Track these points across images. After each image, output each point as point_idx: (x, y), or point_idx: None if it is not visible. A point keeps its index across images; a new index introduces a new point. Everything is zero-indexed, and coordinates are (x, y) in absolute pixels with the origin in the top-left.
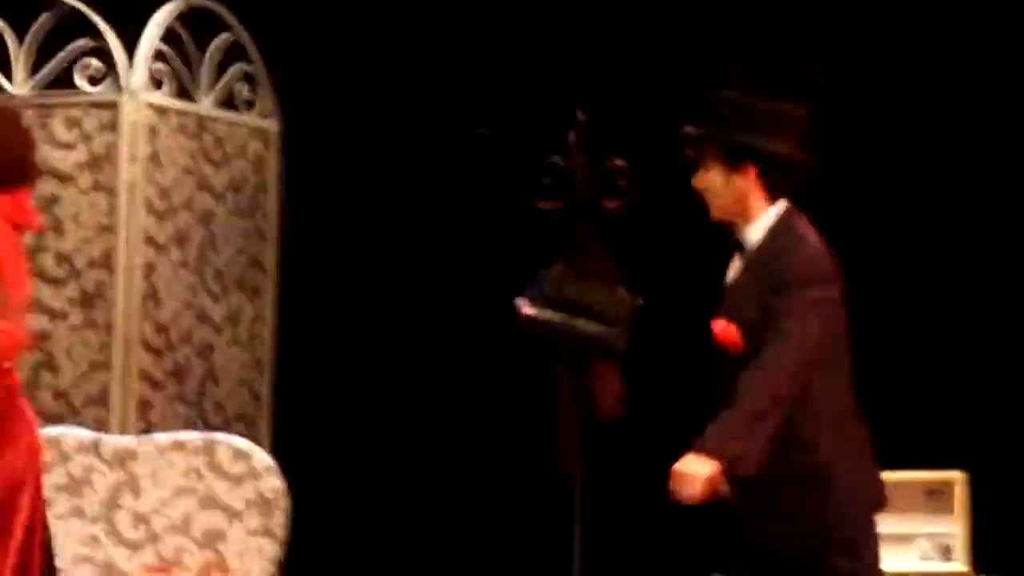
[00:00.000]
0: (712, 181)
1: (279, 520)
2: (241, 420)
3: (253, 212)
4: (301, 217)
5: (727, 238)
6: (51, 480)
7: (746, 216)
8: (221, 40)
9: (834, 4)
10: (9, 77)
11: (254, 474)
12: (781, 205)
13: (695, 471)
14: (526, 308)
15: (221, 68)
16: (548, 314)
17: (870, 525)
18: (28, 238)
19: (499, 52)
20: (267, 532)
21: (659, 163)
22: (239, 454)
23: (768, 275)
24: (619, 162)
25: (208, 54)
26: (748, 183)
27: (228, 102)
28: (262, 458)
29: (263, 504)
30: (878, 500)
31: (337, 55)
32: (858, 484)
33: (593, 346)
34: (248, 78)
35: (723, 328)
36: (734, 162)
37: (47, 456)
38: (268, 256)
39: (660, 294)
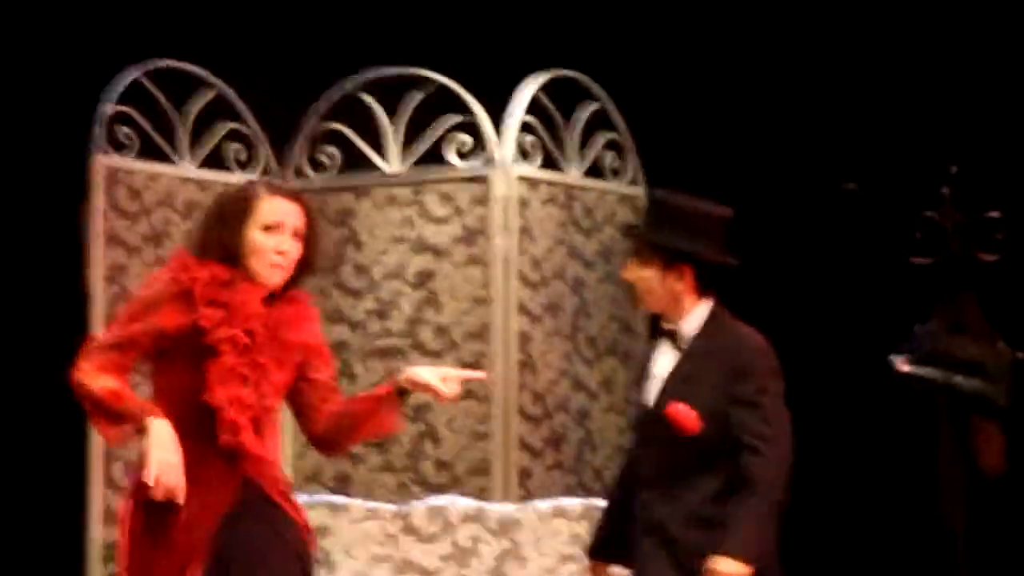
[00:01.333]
0: (648, 279)
1: None
2: None
3: (619, 279)
4: None
5: None
6: (438, 550)
7: (679, 311)
8: (587, 110)
9: None
10: (382, 156)
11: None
12: (709, 300)
13: (735, 574)
14: (903, 365)
15: (586, 137)
16: (926, 371)
17: None
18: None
19: (868, 107)
20: None
21: None
22: None
23: (726, 364)
24: (994, 214)
25: (574, 124)
26: (683, 283)
27: (595, 170)
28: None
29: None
30: None
31: (700, 119)
32: None
33: (974, 402)
34: (614, 146)
35: (683, 412)
36: (672, 264)
37: (434, 527)
38: (638, 321)
39: None
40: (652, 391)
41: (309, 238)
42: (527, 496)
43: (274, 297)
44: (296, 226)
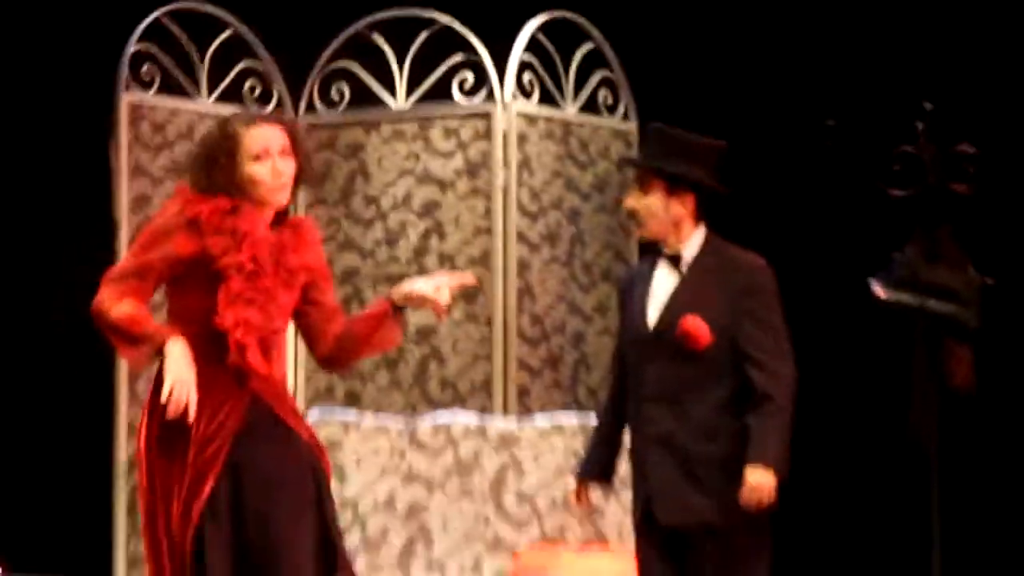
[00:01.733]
0: (651, 205)
1: None
2: None
3: (616, 209)
4: None
5: None
6: (442, 463)
7: (679, 236)
8: (583, 49)
9: None
10: (390, 92)
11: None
12: (703, 226)
13: (769, 483)
14: (880, 290)
15: (582, 75)
16: (902, 295)
17: None
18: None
19: (848, 45)
20: None
21: (1006, 147)
22: None
23: (732, 281)
24: (967, 147)
25: (571, 63)
26: (684, 208)
27: (590, 107)
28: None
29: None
30: None
31: (689, 59)
32: None
33: (946, 324)
34: (608, 83)
35: (697, 324)
36: (675, 190)
37: (438, 441)
38: (630, 249)
39: (1009, 274)
40: (652, 313)
41: (296, 154)
42: (526, 413)
43: (278, 223)
44: (283, 146)
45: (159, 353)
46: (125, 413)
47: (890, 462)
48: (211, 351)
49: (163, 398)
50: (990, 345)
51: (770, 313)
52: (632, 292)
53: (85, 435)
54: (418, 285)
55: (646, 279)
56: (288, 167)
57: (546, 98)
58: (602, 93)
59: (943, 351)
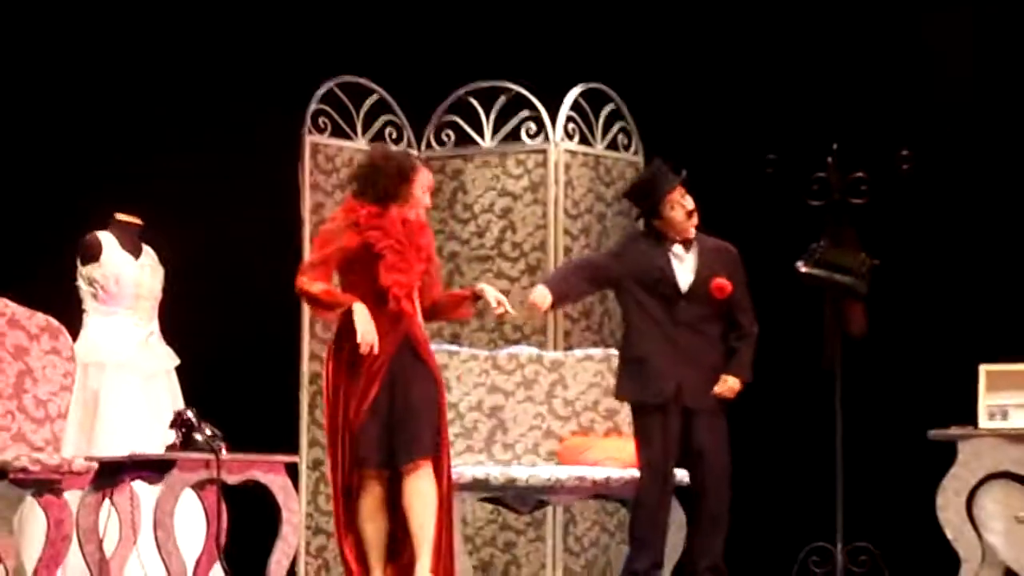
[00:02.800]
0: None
1: None
2: None
3: (629, 214)
4: None
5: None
6: (513, 379)
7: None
8: (607, 108)
9: None
10: (481, 136)
11: None
12: None
13: (739, 386)
14: (803, 267)
15: (607, 125)
16: (817, 271)
17: None
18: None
19: (782, 105)
20: None
21: (889, 174)
22: None
23: (726, 258)
24: (861, 174)
25: (600, 117)
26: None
27: (612, 146)
28: None
29: None
30: None
31: (676, 114)
32: None
33: (846, 291)
34: (624, 131)
35: (725, 284)
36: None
37: (511, 365)
38: None
39: (888, 257)
40: (683, 277)
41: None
42: (568, 348)
43: (406, 222)
44: (431, 185)
45: (345, 312)
46: (308, 342)
47: (809, 384)
48: (375, 305)
49: (359, 339)
50: (875, 304)
51: (745, 279)
52: (645, 255)
53: (280, 357)
54: (490, 293)
55: (659, 255)
56: (429, 199)
57: (583, 140)
58: (620, 137)
59: (844, 308)
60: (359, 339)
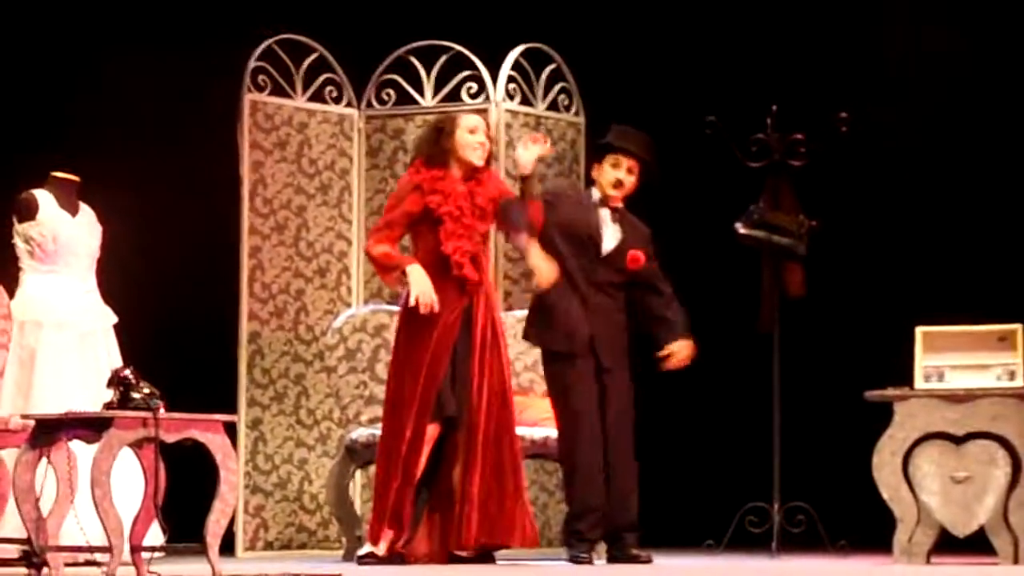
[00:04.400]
0: (632, 181)
1: None
2: None
3: (569, 174)
4: None
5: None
6: None
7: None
8: (549, 68)
9: None
10: (421, 95)
11: None
12: None
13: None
14: (741, 228)
15: (548, 85)
16: (755, 232)
17: None
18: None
19: (722, 66)
20: None
21: (826, 135)
22: None
23: (642, 229)
24: (799, 136)
25: (541, 77)
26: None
27: (553, 107)
28: None
29: None
30: None
31: (618, 74)
32: None
33: (784, 252)
34: (565, 91)
35: (640, 256)
36: (642, 176)
37: None
38: None
39: (826, 218)
40: (608, 244)
41: (491, 137)
42: (508, 308)
43: (469, 179)
44: (485, 129)
45: (403, 273)
46: (246, 302)
47: (746, 345)
48: (440, 270)
49: (411, 303)
50: (813, 266)
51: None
52: (577, 210)
53: (219, 316)
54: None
55: (589, 214)
56: (488, 142)
57: (524, 100)
58: (561, 97)
59: (782, 270)
60: (412, 301)
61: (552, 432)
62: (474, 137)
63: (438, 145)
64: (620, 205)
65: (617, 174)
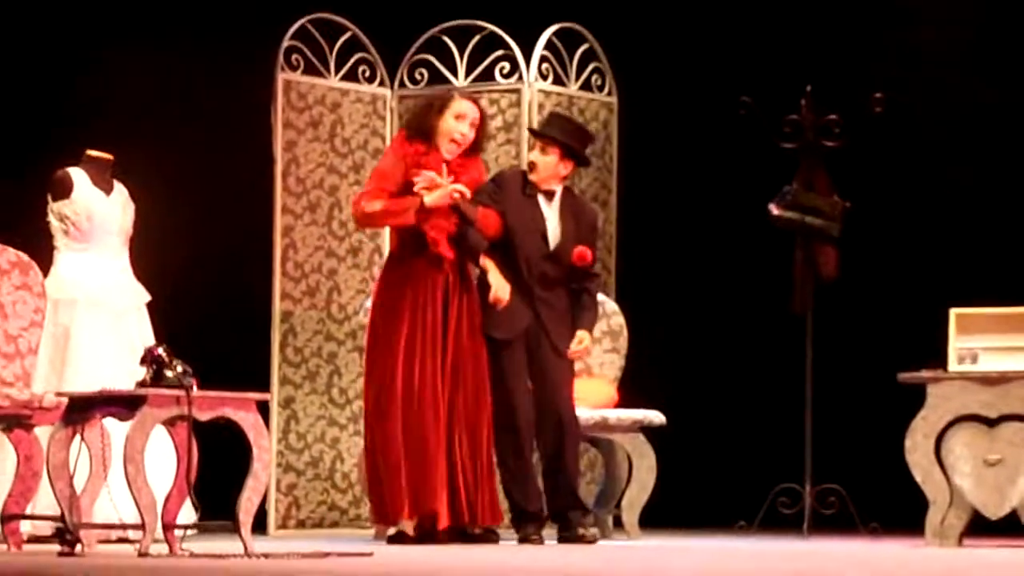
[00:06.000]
0: (548, 162)
1: (622, 344)
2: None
3: (602, 155)
4: (632, 154)
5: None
6: None
7: (554, 184)
8: (582, 48)
9: None
10: (455, 75)
11: (607, 313)
12: (566, 182)
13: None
14: (775, 210)
15: (581, 65)
16: (789, 213)
17: None
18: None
19: (758, 46)
20: (615, 350)
21: (861, 116)
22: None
23: (585, 221)
24: (834, 116)
25: (574, 57)
26: (566, 169)
27: (586, 86)
28: (613, 305)
29: (613, 333)
30: None
31: (653, 54)
32: None
33: (818, 234)
34: (598, 71)
35: (585, 252)
36: (568, 157)
37: None
38: (611, 181)
39: (860, 200)
40: (552, 238)
41: (480, 128)
42: None
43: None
44: (474, 119)
45: (419, 210)
46: (279, 281)
47: (779, 327)
48: (417, 247)
49: (491, 298)
50: (847, 247)
51: (598, 242)
52: (518, 203)
53: (252, 295)
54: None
55: (533, 205)
56: (471, 134)
57: (557, 80)
58: (594, 77)
59: (816, 251)
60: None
61: (581, 412)
62: (457, 124)
63: (426, 119)
64: (555, 188)
65: (530, 155)
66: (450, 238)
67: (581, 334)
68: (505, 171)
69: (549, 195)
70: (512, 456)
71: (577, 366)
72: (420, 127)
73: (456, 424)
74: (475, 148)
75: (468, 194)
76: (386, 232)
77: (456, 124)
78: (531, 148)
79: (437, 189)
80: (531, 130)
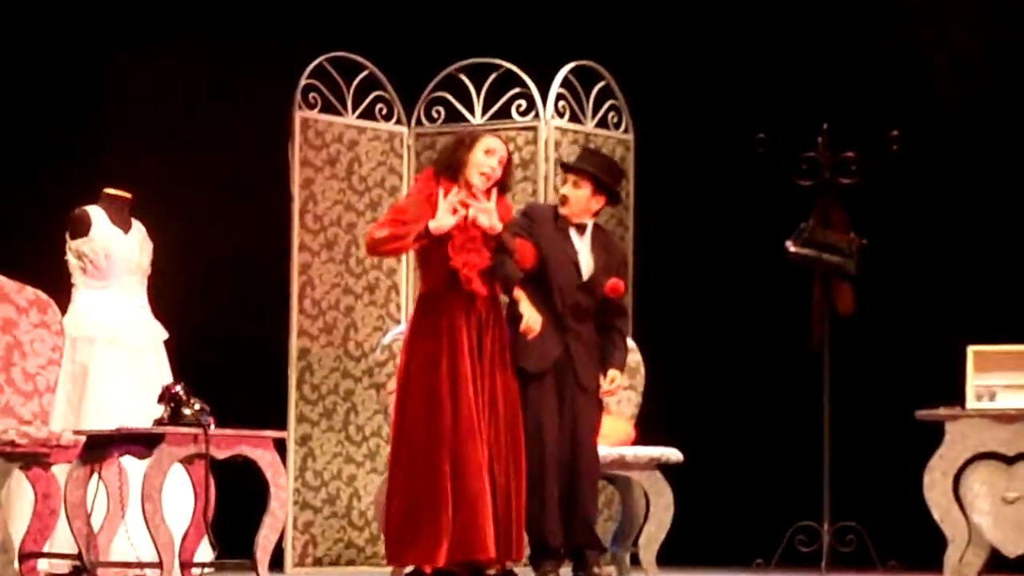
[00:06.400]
0: (580, 196)
1: (639, 381)
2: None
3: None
4: (649, 192)
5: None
6: None
7: (585, 218)
8: (598, 85)
9: None
10: (471, 112)
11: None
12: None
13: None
14: (792, 247)
15: (598, 103)
16: (806, 250)
17: None
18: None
19: (775, 86)
20: (632, 388)
21: (877, 154)
22: None
23: (616, 255)
24: (850, 154)
25: (591, 94)
26: (598, 204)
27: (602, 124)
28: (630, 342)
29: (630, 370)
30: None
31: (668, 93)
32: None
33: (835, 270)
34: (615, 108)
35: (618, 284)
36: (599, 192)
37: None
38: (628, 218)
39: (877, 237)
40: (585, 269)
41: (507, 168)
42: None
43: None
44: (502, 156)
45: (420, 238)
46: (296, 319)
47: (796, 363)
48: (449, 285)
49: (523, 327)
50: (864, 284)
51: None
52: (550, 236)
53: (269, 333)
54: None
55: (564, 238)
56: (498, 170)
57: (573, 118)
58: (611, 115)
59: (833, 288)
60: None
61: (601, 450)
62: (487, 159)
63: (455, 156)
64: (586, 222)
65: (563, 189)
66: (481, 274)
67: (613, 373)
68: (535, 204)
69: (580, 229)
70: (537, 489)
71: None
72: (450, 163)
73: (496, 461)
74: (502, 188)
75: (497, 222)
76: (403, 269)
77: (486, 158)
78: (563, 183)
79: (456, 213)
80: (564, 164)
